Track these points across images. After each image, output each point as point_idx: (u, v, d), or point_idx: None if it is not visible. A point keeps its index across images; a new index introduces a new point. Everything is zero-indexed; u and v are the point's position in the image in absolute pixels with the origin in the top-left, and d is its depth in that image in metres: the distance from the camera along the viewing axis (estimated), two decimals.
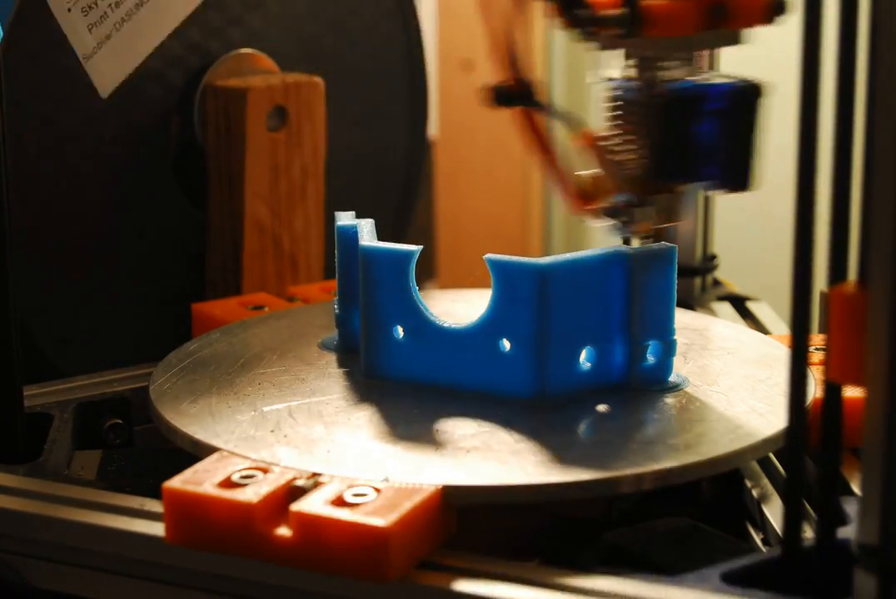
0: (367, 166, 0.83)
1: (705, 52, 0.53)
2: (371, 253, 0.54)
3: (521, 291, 0.51)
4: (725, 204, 0.87)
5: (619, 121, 0.52)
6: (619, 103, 0.52)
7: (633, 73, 0.52)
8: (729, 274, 0.80)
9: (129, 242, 0.71)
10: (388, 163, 0.84)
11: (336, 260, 0.58)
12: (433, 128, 1.08)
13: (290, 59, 0.77)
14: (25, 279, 0.64)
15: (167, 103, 0.72)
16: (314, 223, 0.76)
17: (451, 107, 1.13)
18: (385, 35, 0.82)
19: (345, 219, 0.57)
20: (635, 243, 0.55)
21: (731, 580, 0.43)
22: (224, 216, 0.73)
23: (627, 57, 0.51)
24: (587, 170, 0.52)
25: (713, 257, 0.79)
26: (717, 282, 0.79)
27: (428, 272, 0.91)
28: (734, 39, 0.51)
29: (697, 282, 0.78)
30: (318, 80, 0.75)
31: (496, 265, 0.51)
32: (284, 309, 0.66)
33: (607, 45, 0.51)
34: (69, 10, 0.64)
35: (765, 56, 1.05)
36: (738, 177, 0.52)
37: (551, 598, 0.42)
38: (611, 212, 0.52)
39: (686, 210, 0.53)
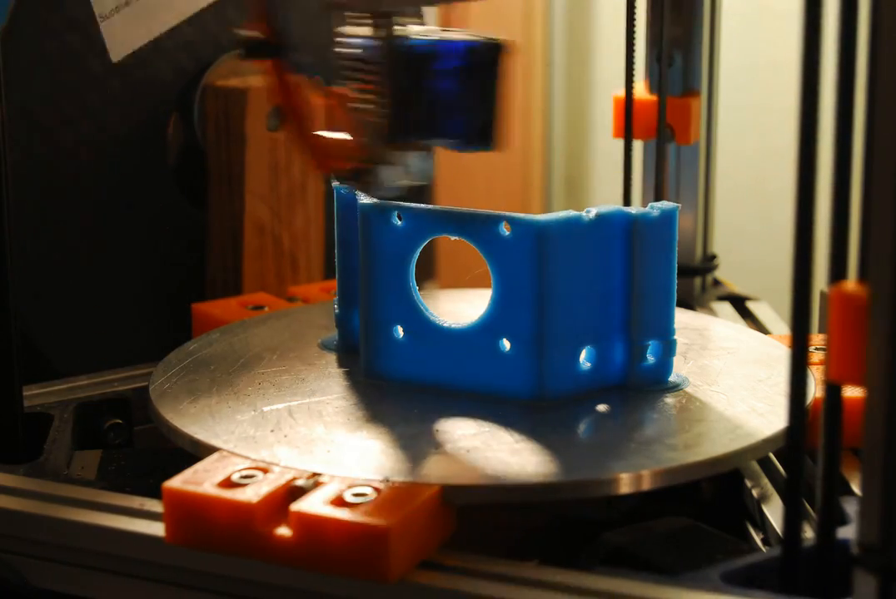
0: None
1: (452, 11, 0.52)
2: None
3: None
4: (725, 204, 0.87)
5: (362, 80, 0.51)
6: (359, 61, 0.51)
7: (371, 30, 0.50)
8: (729, 274, 0.80)
9: (129, 242, 0.71)
10: None
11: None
12: None
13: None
14: (25, 279, 0.64)
15: (167, 103, 0.72)
16: (314, 223, 0.76)
17: None
18: None
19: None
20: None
21: (731, 580, 0.43)
22: (224, 216, 0.73)
23: (364, 14, 0.50)
24: (335, 130, 0.51)
25: (713, 257, 0.79)
26: (717, 282, 0.79)
27: (428, 272, 0.90)
28: None
29: (697, 281, 0.77)
30: (319, 79, 0.75)
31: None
32: (284, 309, 0.66)
33: (340, 5, 0.50)
34: None
35: (765, 57, 1.05)
36: (481, 135, 0.51)
37: (551, 598, 0.42)
38: (357, 173, 0.50)
39: (432, 169, 0.52)
